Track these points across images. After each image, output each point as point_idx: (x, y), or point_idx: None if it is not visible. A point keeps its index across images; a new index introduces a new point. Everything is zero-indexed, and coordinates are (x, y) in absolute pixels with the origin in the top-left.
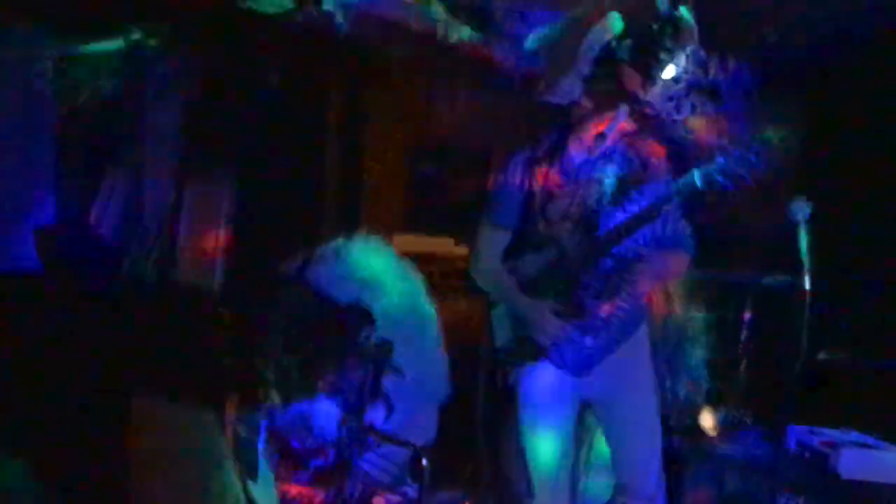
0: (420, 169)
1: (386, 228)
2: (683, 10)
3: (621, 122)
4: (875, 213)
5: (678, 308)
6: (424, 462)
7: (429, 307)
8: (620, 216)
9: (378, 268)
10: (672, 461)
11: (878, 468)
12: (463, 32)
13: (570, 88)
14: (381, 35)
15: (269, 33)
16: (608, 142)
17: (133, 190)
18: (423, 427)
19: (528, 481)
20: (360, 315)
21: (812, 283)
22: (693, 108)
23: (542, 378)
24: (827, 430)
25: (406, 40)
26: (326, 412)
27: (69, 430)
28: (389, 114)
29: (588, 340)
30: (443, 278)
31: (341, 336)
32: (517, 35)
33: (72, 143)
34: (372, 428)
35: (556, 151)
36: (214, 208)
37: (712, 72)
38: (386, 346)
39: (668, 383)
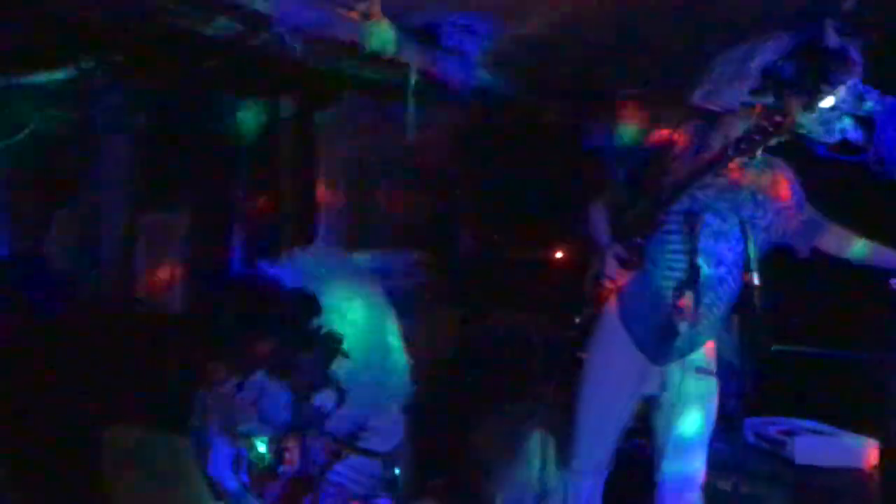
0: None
1: (340, 246)
2: (852, 47)
3: (772, 142)
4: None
5: None
6: (397, 471)
7: (387, 312)
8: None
9: (330, 270)
10: (636, 456)
11: (831, 453)
12: (412, 50)
13: (731, 98)
14: (333, 56)
15: (219, 58)
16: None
17: (88, 220)
18: (386, 431)
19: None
20: (304, 301)
21: (761, 278)
22: (843, 132)
23: (619, 356)
24: (783, 420)
25: (357, 59)
26: (274, 395)
27: (37, 460)
28: (340, 133)
29: (683, 327)
30: (401, 292)
31: (286, 319)
32: (466, 50)
33: (24, 175)
34: (321, 411)
35: (694, 141)
36: (170, 235)
37: (869, 103)
38: (336, 336)
39: None
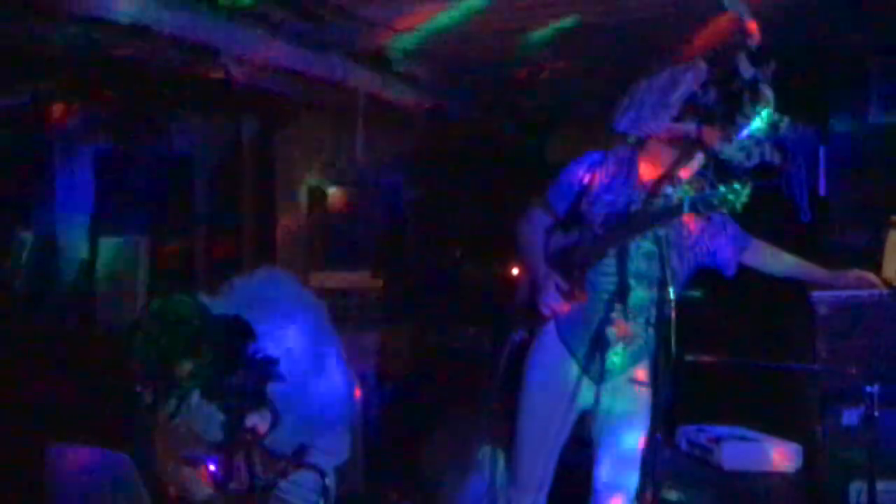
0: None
1: (301, 266)
2: (764, 82)
3: (696, 167)
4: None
5: None
6: (328, 481)
7: (326, 332)
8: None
9: (268, 294)
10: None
11: (756, 458)
12: (363, 75)
13: (655, 127)
14: (282, 83)
15: (172, 86)
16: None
17: (46, 244)
18: (334, 448)
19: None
20: (237, 326)
21: (676, 293)
22: (762, 155)
23: (559, 372)
24: (713, 428)
25: (307, 87)
26: (208, 416)
27: None
28: (299, 156)
29: (619, 347)
30: (361, 311)
31: (218, 344)
32: (415, 75)
33: None
34: (255, 432)
35: (624, 168)
36: (131, 258)
37: (782, 130)
38: (270, 360)
39: None
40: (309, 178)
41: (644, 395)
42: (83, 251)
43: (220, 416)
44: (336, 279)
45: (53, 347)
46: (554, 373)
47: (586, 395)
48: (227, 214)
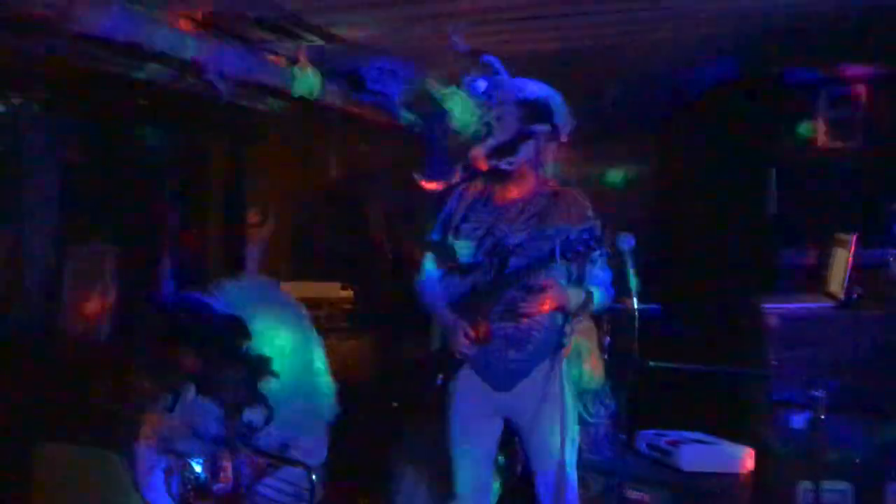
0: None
1: (271, 276)
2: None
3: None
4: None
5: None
6: (314, 477)
7: (312, 336)
8: (523, 261)
9: (255, 297)
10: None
11: (712, 460)
12: (334, 91)
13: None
14: (260, 98)
15: (151, 98)
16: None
17: (14, 253)
18: (313, 448)
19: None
20: (235, 324)
21: (639, 303)
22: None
23: (469, 391)
24: (672, 432)
25: (284, 101)
26: (205, 410)
27: None
28: (272, 169)
29: (511, 353)
30: (329, 321)
31: (216, 340)
32: (387, 91)
33: None
34: (251, 426)
35: (483, 196)
36: (98, 265)
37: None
38: (263, 358)
39: None
40: (279, 189)
41: (553, 386)
42: (50, 259)
43: (217, 411)
44: (305, 289)
45: (22, 353)
46: (471, 397)
47: (503, 404)
48: (196, 225)
